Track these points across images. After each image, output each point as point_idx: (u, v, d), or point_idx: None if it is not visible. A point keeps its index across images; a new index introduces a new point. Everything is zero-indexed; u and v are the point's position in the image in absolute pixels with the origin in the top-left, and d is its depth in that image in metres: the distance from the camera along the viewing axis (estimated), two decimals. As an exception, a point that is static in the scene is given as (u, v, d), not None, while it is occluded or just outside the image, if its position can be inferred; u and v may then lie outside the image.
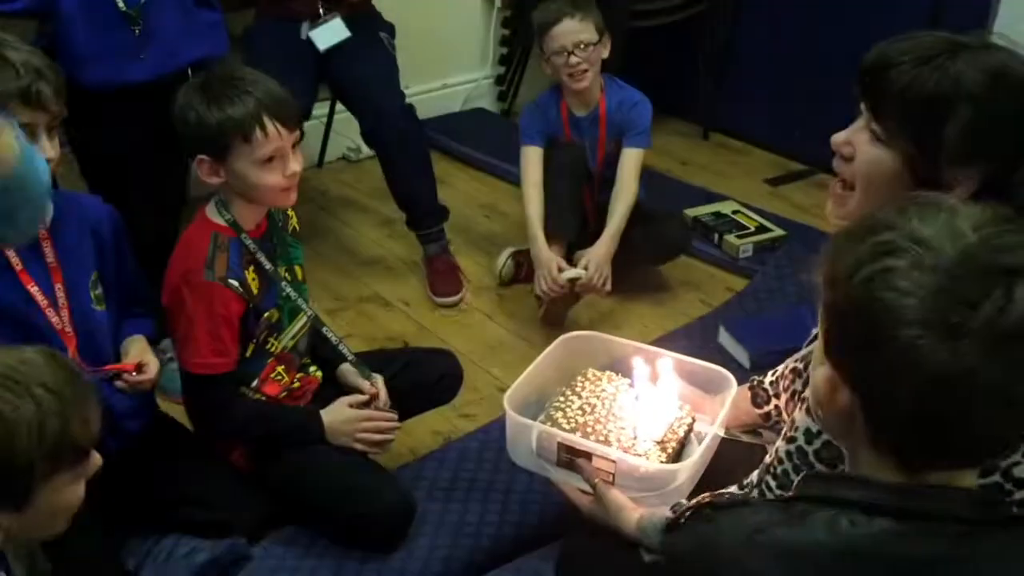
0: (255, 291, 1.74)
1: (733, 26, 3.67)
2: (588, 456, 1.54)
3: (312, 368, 1.94)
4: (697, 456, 1.56)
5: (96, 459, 1.17)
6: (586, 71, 2.54)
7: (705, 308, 2.72)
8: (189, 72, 2.27)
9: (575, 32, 2.50)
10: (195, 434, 1.88)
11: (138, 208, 2.10)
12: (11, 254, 1.57)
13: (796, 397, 1.41)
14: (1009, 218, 0.82)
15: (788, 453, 1.29)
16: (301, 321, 1.86)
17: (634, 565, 1.54)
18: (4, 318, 1.58)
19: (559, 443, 1.57)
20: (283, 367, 1.85)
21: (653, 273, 2.84)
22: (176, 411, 1.93)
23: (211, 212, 1.74)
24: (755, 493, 1.34)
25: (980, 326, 0.75)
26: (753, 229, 2.96)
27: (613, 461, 1.53)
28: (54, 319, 1.61)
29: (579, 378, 1.74)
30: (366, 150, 3.33)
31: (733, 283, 2.85)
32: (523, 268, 2.84)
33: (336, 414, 1.82)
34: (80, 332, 1.64)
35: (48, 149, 1.53)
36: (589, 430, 1.60)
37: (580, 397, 1.68)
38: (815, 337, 1.45)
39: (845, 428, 0.88)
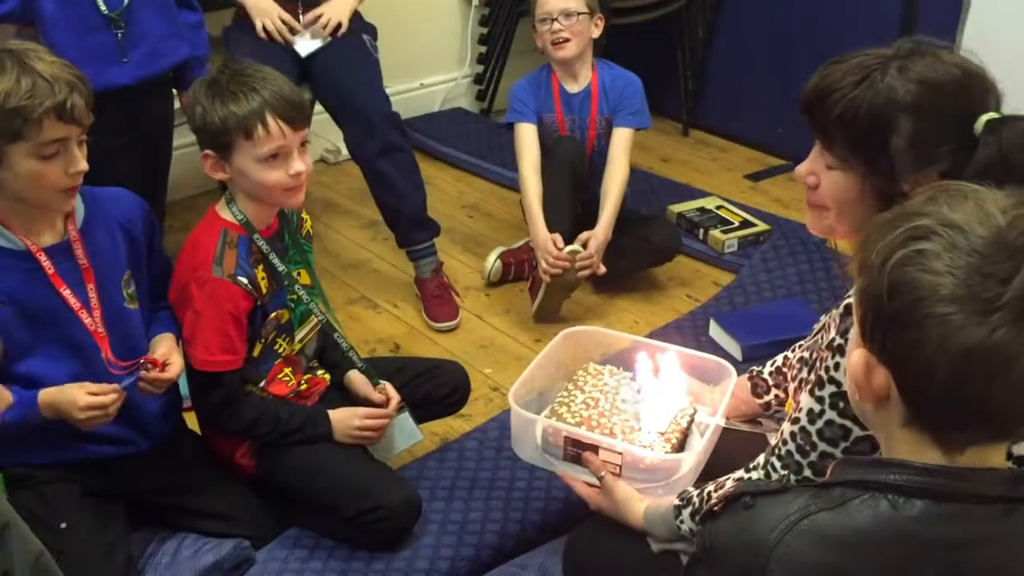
0: (264, 290, 1.76)
1: (712, 23, 3.73)
2: (595, 449, 1.59)
3: (320, 371, 1.96)
4: (701, 446, 1.60)
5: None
6: (567, 40, 2.58)
7: (693, 303, 2.77)
8: (171, 75, 2.30)
9: (562, 0, 2.56)
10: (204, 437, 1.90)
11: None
12: (43, 258, 1.58)
13: (803, 384, 1.46)
14: None
15: (792, 434, 1.35)
16: (310, 324, 1.88)
17: (639, 556, 1.58)
18: (38, 320, 1.60)
19: (565, 437, 1.61)
20: (290, 369, 1.87)
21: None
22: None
23: (221, 209, 1.76)
24: (760, 475, 1.40)
25: (1011, 300, 0.81)
26: (737, 224, 3.02)
27: (619, 453, 1.57)
28: (87, 321, 1.63)
29: (581, 373, 1.77)
30: (345, 152, 3.35)
31: (719, 278, 2.90)
32: (511, 269, 2.87)
33: (342, 411, 1.85)
34: (113, 332, 1.66)
35: (80, 161, 1.54)
36: (594, 423, 1.64)
37: (583, 391, 1.72)
38: (816, 331, 1.50)
39: (880, 411, 0.92)
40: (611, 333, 1.88)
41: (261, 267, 1.76)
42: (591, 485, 1.61)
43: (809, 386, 1.33)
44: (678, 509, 1.47)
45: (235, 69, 1.70)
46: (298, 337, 1.87)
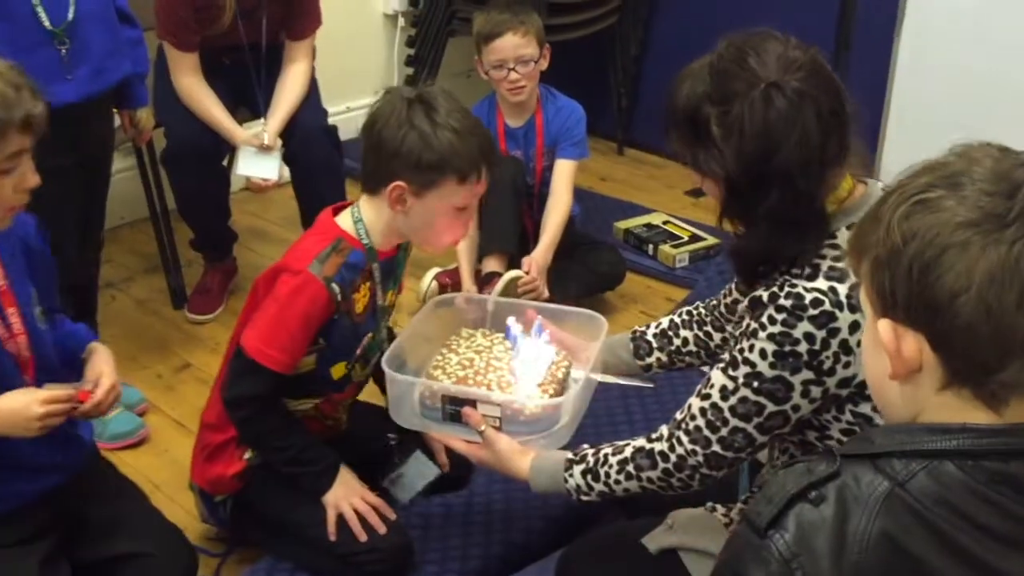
0: (361, 309, 1.75)
1: (643, 40, 3.88)
2: (473, 404, 1.65)
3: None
4: (579, 389, 1.69)
5: None
6: (524, 86, 2.65)
7: (648, 319, 2.84)
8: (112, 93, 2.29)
9: (517, 47, 2.61)
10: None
11: (60, 239, 2.07)
12: None
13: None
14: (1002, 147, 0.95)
15: (702, 410, 1.44)
16: (376, 356, 1.87)
17: (637, 566, 1.64)
18: None
19: (443, 396, 1.66)
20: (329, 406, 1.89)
21: (592, 289, 2.97)
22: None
23: (344, 222, 1.74)
24: (665, 447, 1.48)
25: (1021, 210, 0.86)
26: (687, 238, 3.13)
27: (498, 405, 1.64)
28: (11, 347, 1.58)
29: (454, 337, 1.85)
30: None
31: (672, 293, 3.01)
32: (447, 289, 2.91)
33: (346, 479, 1.84)
34: (35, 355, 1.62)
35: (34, 176, 1.52)
36: (471, 382, 1.71)
37: (458, 354, 1.79)
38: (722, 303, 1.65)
39: (910, 384, 0.94)
40: (479, 297, 1.98)
41: (366, 286, 1.75)
42: (471, 443, 1.67)
43: (722, 365, 1.43)
44: (570, 464, 1.55)
45: (435, 94, 1.65)
46: (372, 362, 1.87)
